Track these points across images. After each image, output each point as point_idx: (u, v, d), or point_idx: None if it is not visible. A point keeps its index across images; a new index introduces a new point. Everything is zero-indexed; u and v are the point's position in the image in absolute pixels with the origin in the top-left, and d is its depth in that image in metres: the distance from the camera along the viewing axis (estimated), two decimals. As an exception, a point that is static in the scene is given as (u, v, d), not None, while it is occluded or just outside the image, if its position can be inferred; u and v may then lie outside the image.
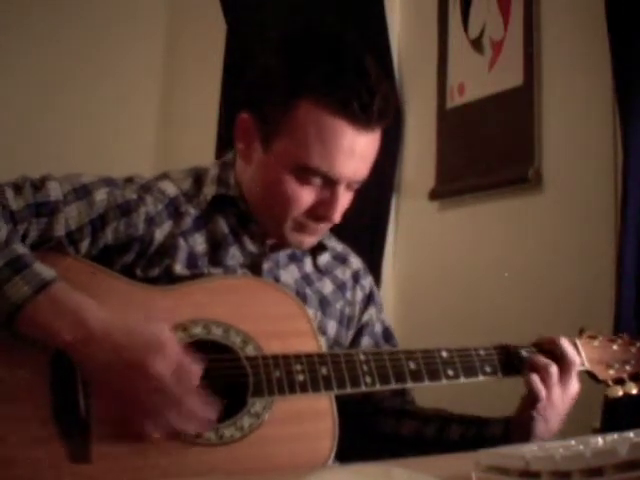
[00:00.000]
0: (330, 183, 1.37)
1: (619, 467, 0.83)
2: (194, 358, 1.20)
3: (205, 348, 1.26)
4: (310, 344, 1.33)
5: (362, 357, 1.33)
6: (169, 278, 1.36)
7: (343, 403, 1.32)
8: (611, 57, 1.93)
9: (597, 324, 1.53)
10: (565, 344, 1.42)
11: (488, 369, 1.40)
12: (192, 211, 1.43)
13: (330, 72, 1.33)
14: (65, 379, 1.20)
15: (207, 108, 2.95)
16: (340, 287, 1.57)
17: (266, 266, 1.46)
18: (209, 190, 1.45)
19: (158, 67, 3.15)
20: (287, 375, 1.27)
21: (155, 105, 3.13)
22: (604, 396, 1.70)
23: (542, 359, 1.40)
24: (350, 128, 1.33)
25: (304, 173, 1.35)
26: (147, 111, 3.11)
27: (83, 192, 1.34)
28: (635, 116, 1.88)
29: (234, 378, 1.26)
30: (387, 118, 1.37)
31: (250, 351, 1.28)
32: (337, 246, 1.62)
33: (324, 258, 1.56)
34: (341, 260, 1.60)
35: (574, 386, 1.40)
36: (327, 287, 1.55)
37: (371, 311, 1.61)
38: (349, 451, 1.30)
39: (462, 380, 1.37)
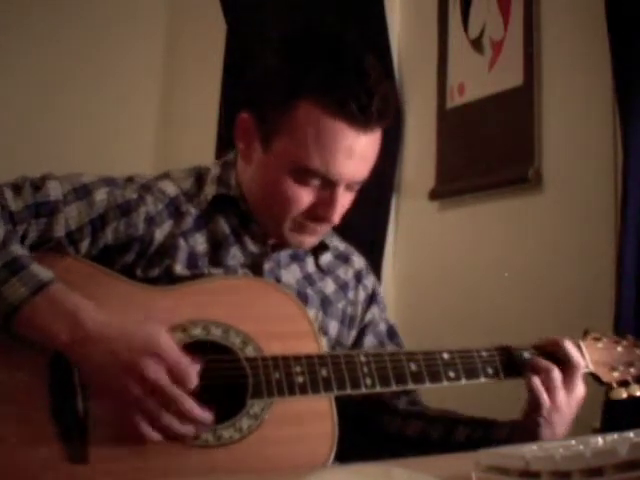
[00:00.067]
0: (329, 184, 1.36)
1: (619, 467, 0.83)
2: (191, 359, 1.20)
3: (205, 349, 1.26)
4: (310, 345, 1.33)
5: (362, 358, 1.33)
6: (169, 278, 1.36)
7: (348, 402, 1.32)
8: (611, 57, 1.93)
9: (597, 324, 1.52)
10: (569, 346, 1.40)
11: (490, 371, 1.39)
12: (193, 211, 1.43)
13: (329, 73, 1.33)
14: (63, 380, 1.20)
15: (207, 108, 2.95)
16: (342, 287, 1.56)
17: (267, 266, 1.45)
18: (209, 190, 1.45)
19: (158, 67, 3.15)
20: (287, 377, 1.27)
21: (155, 105, 3.13)
22: (604, 396, 1.71)
23: (544, 362, 1.38)
24: (349, 129, 1.33)
25: (303, 174, 1.35)
26: (147, 111, 3.10)
27: (83, 192, 1.34)
28: (635, 116, 1.88)
29: (233, 379, 1.26)
30: (387, 118, 1.37)
31: (250, 352, 1.28)
32: (340, 245, 1.61)
33: (326, 258, 1.56)
34: (343, 259, 1.60)
35: (580, 389, 1.39)
36: (329, 287, 1.54)
37: (374, 310, 1.60)
38: (349, 451, 1.30)
39: (463, 382, 1.37)
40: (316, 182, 1.36)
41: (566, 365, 1.38)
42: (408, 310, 2.59)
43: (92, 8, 2.99)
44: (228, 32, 2.98)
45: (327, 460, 1.25)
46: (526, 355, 1.41)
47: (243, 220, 1.46)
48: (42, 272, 1.20)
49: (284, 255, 1.49)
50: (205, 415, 1.20)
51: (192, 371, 1.20)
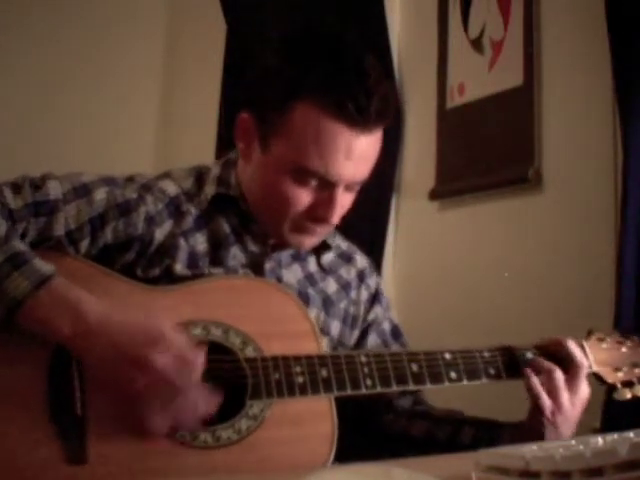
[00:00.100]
0: (328, 185, 1.36)
1: (619, 467, 0.83)
2: (196, 349, 1.20)
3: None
4: (311, 345, 1.32)
5: (363, 359, 1.32)
6: (169, 278, 1.36)
7: (348, 402, 1.32)
8: (611, 57, 1.93)
9: (597, 324, 1.52)
10: (572, 346, 1.39)
11: (492, 371, 1.38)
12: (193, 210, 1.43)
13: (328, 73, 1.33)
14: (62, 379, 1.20)
15: (207, 108, 2.95)
16: (344, 286, 1.56)
17: (268, 266, 1.45)
18: (209, 189, 1.45)
19: (158, 67, 3.15)
20: (286, 377, 1.26)
21: (155, 105, 3.13)
22: (604, 396, 1.71)
23: (546, 363, 1.38)
24: (347, 130, 1.32)
25: (302, 174, 1.35)
26: (147, 111, 3.11)
27: (83, 191, 1.34)
28: (635, 116, 1.88)
29: (233, 380, 1.26)
30: (386, 119, 1.36)
31: (250, 352, 1.28)
32: (342, 244, 1.61)
33: (328, 257, 1.55)
34: (346, 259, 1.59)
35: (584, 390, 1.37)
36: (331, 287, 1.54)
37: (377, 310, 1.59)
38: (349, 451, 1.29)
39: (465, 382, 1.36)
40: (315, 183, 1.36)
41: (569, 365, 1.38)
42: (408, 310, 2.59)
43: (92, 8, 2.99)
44: (228, 32, 2.98)
45: (327, 460, 1.25)
46: (528, 355, 1.40)
47: (243, 220, 1.45)
48: (44, 266, 1.21)
49: (285, 255, 1.49)
50: (212, 402, 1.20)
51: (198, 359, 1.19)
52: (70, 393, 1.20)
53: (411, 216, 2.72)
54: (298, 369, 1.27)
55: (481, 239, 2.44)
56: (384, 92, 1.35)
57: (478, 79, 2.47)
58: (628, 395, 1.41)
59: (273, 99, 1.37)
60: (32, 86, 2.90)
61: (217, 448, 1.22)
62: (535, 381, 1.36)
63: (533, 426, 1.37)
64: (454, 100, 2.56)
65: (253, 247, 1.45)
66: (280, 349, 1.28)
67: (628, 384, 1.42)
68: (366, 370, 1.31)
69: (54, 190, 1.32)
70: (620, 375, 1.42)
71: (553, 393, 1.35)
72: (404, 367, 1.34)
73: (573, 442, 0.98)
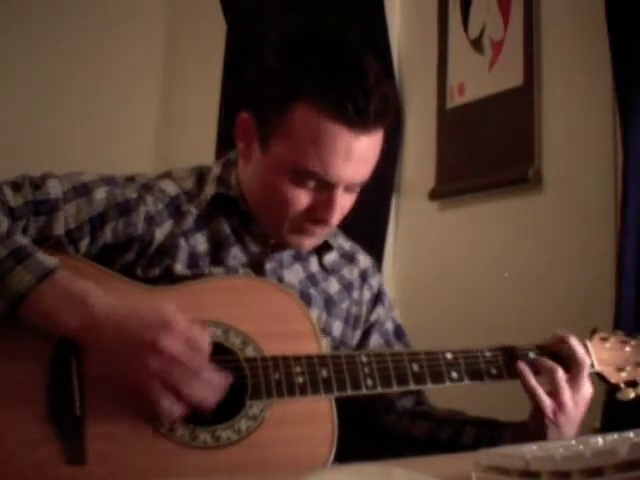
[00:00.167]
0: (327, 186, 1.35)
1: (619, 467, 0.83)
2: (201, 329, 1.20)
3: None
4: (311, 345, 1.32)
5: (364, 359, 1.32)
6: (170, 278, 1.36)
7: (352, 402, 1.32)
8: (611, 57, 1.93)
9: (597, 324, 1.52)
10: (574, 343, 1.38)
11: (493, 371, 1.37)
12: (193, 210, 1.43)
13: (328, 73, 1.32)
14: (62, 379, 1.20)
15: (207, 108, 2.95)
16: (347, 286, 1.55)
17: (269, 266, 1.45)
18: (209, 189, 1.44)
19: (158, 67, 3.15)
20: (286, 377, 1.26)
21: (155, 105, 3.13)
22: (604, 396, 1.71)
23: (548, 362, 1.37)
24: (346, 131, 1.32)
25: (301, 175, 1.35)
26: (147, 111, 3.11)
27: (83, 190, 1.34)
28: (635, 116, 1.88)
29: (232, 380, 1.26)
30: (385, 119, 1.36)
31: (250, 352, 1.28)
32: (345, 244, 1.60)
33: (330, 257, 1.55)
34: (349, 259, 1.59)
35: (586, 389, 1.36)
36: (333, 287, 1.53)
37: (379, 310, 1.59)
38: (349, 451, 1.29)
39: (466, 382, 1.36)
40: (314, 184, 1.35)
41: (571, 364, 1.37)
42: (408, 310, 2.58)
43: (92, 8, 2.99)
44: (228, 32, 2.98)
45: (327, 460, 1.25)
46: (530, 355, 1.40)
47: (244, 220, 1.45)
48: (47, 259, 1.21)
49: (287, 255, 1.49)
50: (224, 380, 1.20)
51: (205, 337, 1.19)
52: (70, 393, 1.20)
53: (411, 216, 2.72)
54: (298, 369, 1.27)
55: (481, 239, 2.44)
56: (383, 93, 1.34)
57: (478, 79, 2.47)
58: (632, 395, 1.41)
59: (273, 99, 1.36)
60: (32, 86, 2.90)
61: (217, 448, 1.22)
62: (531, 380, 1.36)
63: (535, 426, 1.37)
64: (454, 100, 2.56)
65: (254, 247, 1.45)
66: (280, 349, 1.28)
67: (631, 384, 1.42)
68: (367, 370, 1.31)
69: (54, 189, 1.32)
70: (623, 375, 1.42)
71: (555, 392, 1.35)
72: (405, 367, 1.33)
73: (573, 442, 0.98)
